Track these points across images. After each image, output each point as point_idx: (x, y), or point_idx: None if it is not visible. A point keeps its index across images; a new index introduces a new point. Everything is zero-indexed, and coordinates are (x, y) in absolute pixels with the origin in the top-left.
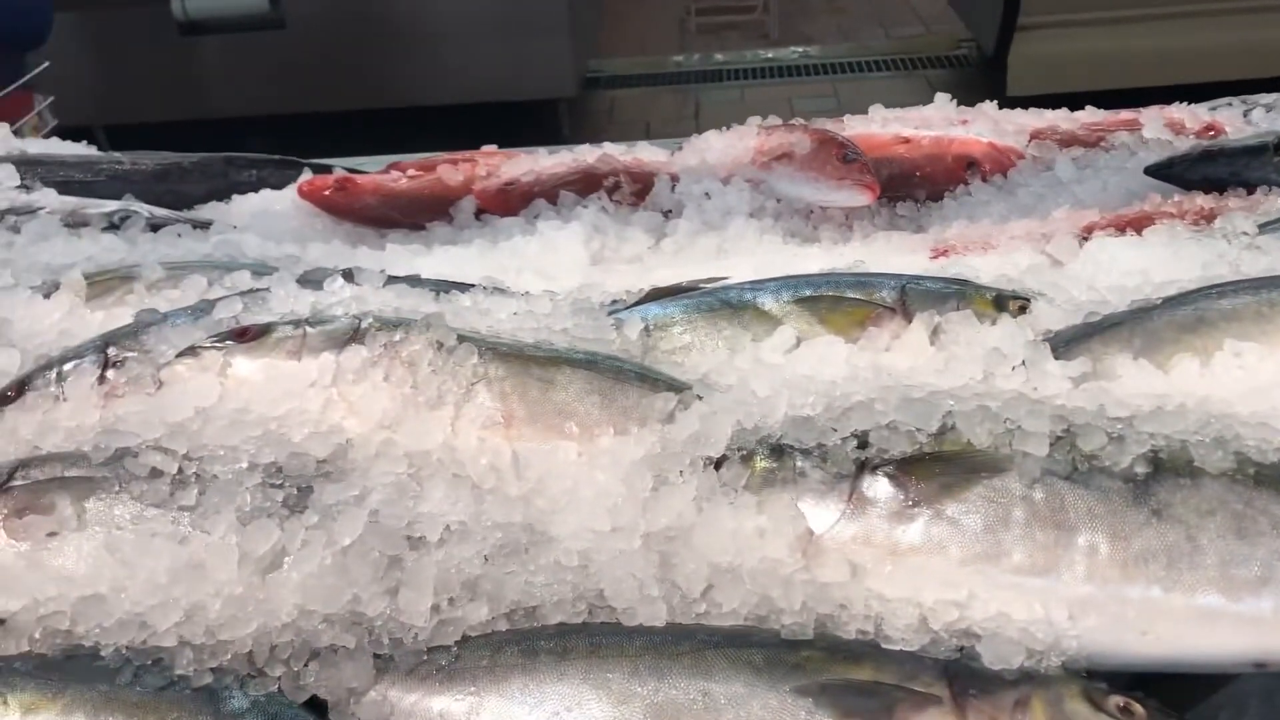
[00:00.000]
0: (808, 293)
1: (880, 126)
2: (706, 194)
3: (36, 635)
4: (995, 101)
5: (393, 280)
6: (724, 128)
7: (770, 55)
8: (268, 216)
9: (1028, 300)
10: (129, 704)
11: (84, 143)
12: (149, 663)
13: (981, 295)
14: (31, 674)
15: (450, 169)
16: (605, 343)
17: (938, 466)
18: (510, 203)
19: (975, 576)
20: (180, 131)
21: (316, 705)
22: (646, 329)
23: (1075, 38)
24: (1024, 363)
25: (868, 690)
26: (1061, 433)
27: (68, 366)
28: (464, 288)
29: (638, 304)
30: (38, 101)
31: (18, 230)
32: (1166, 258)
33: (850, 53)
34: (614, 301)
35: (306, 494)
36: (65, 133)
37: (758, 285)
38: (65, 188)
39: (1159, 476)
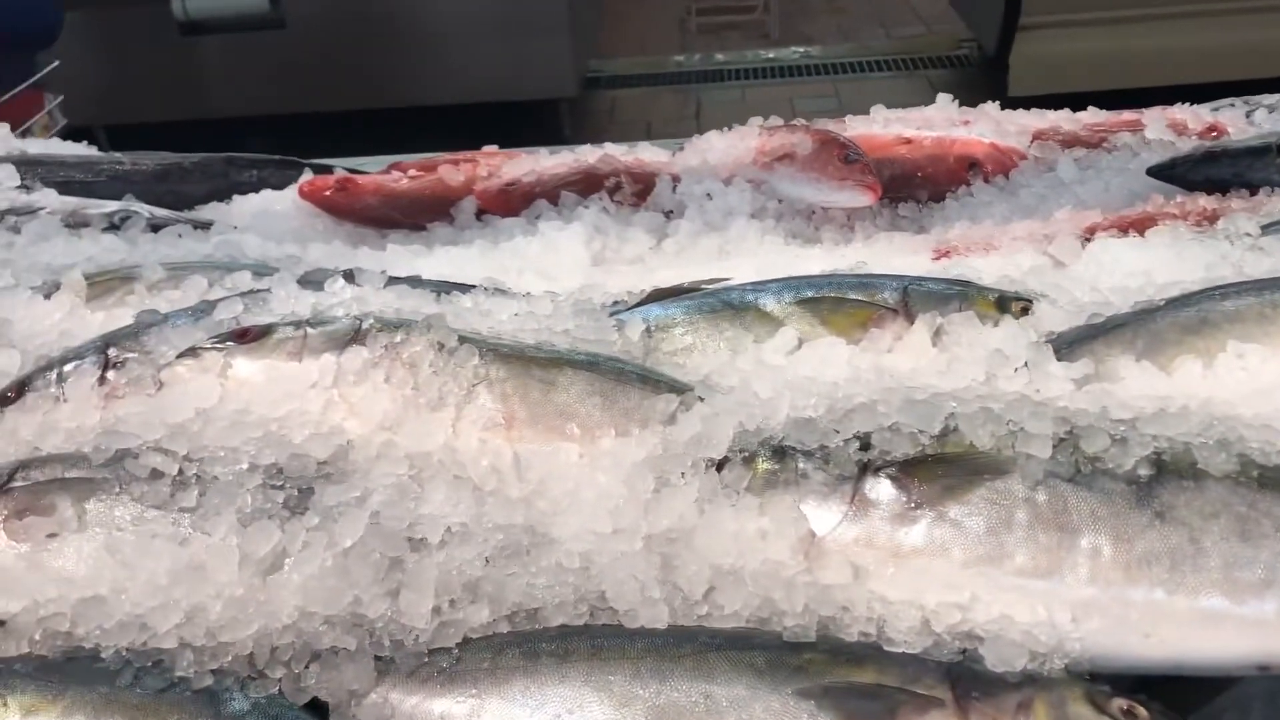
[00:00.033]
0: (810, 294)
1: (882, 127)
2: (708, 194)
3: (37, 637)
4: (997, 102)
5: (394, 281)
6: (725, 128)
7: (771, 55)
8: (268, 217)
9: (1030, 301)
10: (129, 706)
11: (84, 143)
12: (149, 664)
13: (984, 296)
14: (32, 676)
15: (451, 169)
16: (607, 344)
17: (940, 468)
18: (511, 203)
19: (978, 578)
20: (181, 131)
21: (317, 707)
22: (648, 330)
23: (1077, 38)
24: (1026, 364)
25: (870, 693)
26: (1064, 434)
27: (68, 367)
28: (465, 288)
29: (639, 305)
30: (48, 100)
31: (18, 230)
32: (1169, 259)
33: (851, 53)
34: (615, 302)
35: (307, 495)
36: (66, 133)
37: (759, 286)
38: (66, 188)
39: (1162, 478)
